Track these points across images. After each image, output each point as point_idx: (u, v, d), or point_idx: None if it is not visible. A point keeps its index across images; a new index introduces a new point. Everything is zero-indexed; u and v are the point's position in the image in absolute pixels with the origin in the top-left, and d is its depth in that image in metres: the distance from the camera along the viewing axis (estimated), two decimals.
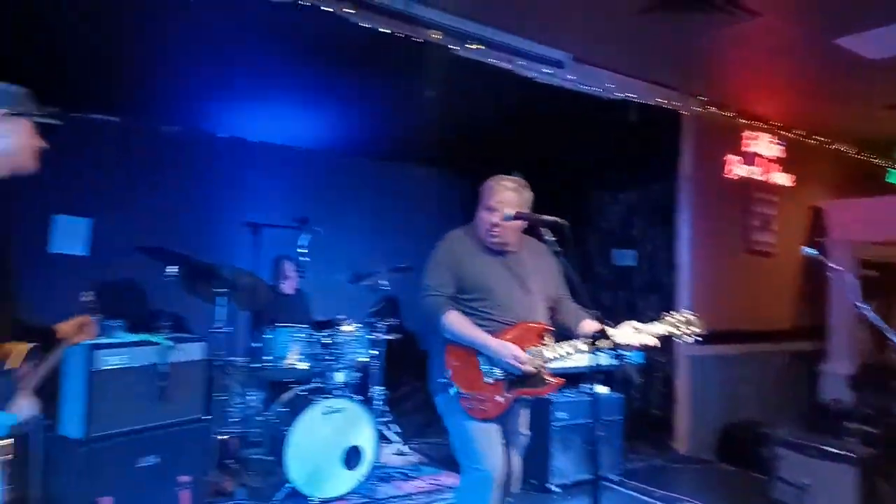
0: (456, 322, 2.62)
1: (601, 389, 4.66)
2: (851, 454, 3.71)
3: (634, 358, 5.04)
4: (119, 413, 3.25)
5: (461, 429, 2.70)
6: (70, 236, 4.90)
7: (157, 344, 3.36)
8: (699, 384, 5.42)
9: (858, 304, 3.06)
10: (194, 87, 4.64)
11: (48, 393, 2.36)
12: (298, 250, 4.55)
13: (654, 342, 2.66)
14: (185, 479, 3.47)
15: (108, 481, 3.16)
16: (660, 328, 2.67)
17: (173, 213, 5.05)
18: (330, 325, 4.34)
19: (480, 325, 2.65)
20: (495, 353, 2.58)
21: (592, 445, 4.40)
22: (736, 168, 5.65)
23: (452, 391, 2.64)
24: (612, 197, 5.93)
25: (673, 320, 2.69)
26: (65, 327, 2.23)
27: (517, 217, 2.66)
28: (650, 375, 5.51)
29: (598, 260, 6.07)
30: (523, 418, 2.86)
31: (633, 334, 2.62)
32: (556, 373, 4.46)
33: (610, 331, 2.60)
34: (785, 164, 6.00)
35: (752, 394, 5.71)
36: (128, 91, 4.65)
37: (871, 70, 4.52)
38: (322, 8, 3.44)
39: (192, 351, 3.57)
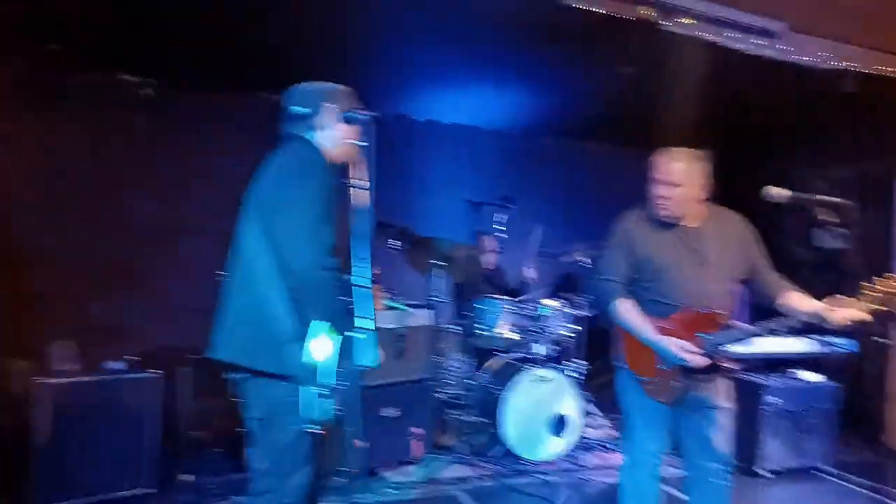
0: (625, 312, 2.65)
1: (811, 376, 4.48)
2: None
3: (846, 346, 4.73)
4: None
5: (631, 408, 2.77)
6: None
7: (398, 309, 3.76)
8: None
9: None
10: (398, 74, 4.96)
11: None
12: (496, 226, 4.83)
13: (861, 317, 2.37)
14: (416, 430, 3.87)
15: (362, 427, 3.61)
16: (858, 305, 2.37)
17: (388, 191, 5.47)
18: (516, 293, 4.55)
19: (653, 307, 2.64)
20: (662, 350, 2.57)
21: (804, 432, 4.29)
22: None
23: (628, 373, 2.73)
24: (818, 173, 5.56)
25: (876, 290, 2.35)
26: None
27: (794, 201, 2.52)
28: (860, 365, 5.15)
29: (796, 241, 5.74)
30: (719, 391, 2.73)
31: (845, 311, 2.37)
32: (768, 358, 4.35)
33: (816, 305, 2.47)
34: None
35: None
36: (342, 79, 5.12)
37: None
38: None
39: (423, 317, 3.95)
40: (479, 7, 3.80)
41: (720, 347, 2.57)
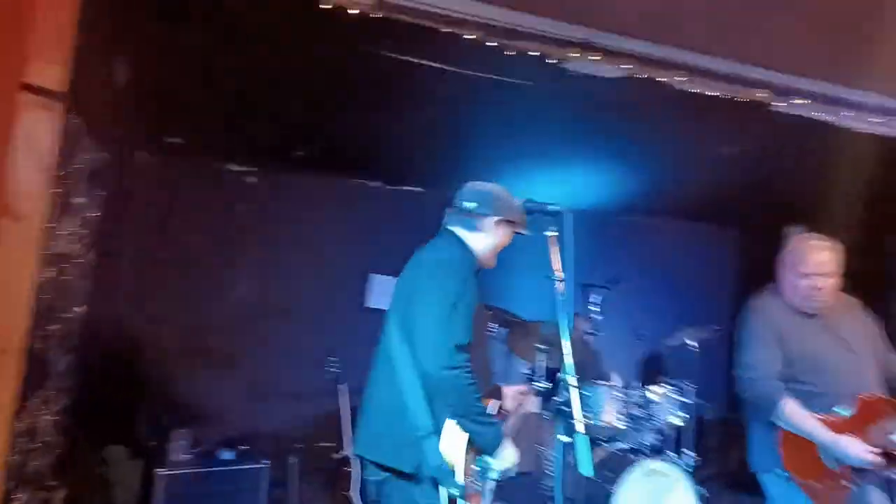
0: (793, 414, 2.50)
1: None
2: None
3: None
4: None
5: None
6: (381, 293, 5.51)
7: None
8: None
9: None
10: (485, 160, 5.00)
11: None
12: (592, 307, 4.70)
13: None
14: None
15: None
16: None
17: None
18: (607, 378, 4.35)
19: (814, 399, 2.51)
20: (840, 452, 2.44)
21: None
22: None
23: (787, 477, 2.53)
24: None
25: None
26: (509, 393, 2.49)
27: None
28: None
29: None
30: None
31: None
32: None
33: None
34: None
35: None
36: (428, 164, 5.20)
37: None
38: (655, 79, 3.59)
39: (532, 404, 3.79)
40: (585, 90, 3.83)
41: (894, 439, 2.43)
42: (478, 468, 2.16)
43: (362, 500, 3.29)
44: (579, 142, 4.42)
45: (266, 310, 4.66)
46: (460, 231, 2.33)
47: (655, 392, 4.22)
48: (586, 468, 1.87)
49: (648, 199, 5.44)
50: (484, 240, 2.32)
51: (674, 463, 4.02)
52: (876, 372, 2.62)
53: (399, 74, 3.64)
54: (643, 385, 4.33)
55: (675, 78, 3.66)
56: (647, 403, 4.19)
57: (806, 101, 3.91)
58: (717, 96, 3.78)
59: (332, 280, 5.21)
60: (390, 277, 5.57)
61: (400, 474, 2.10)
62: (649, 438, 4.22)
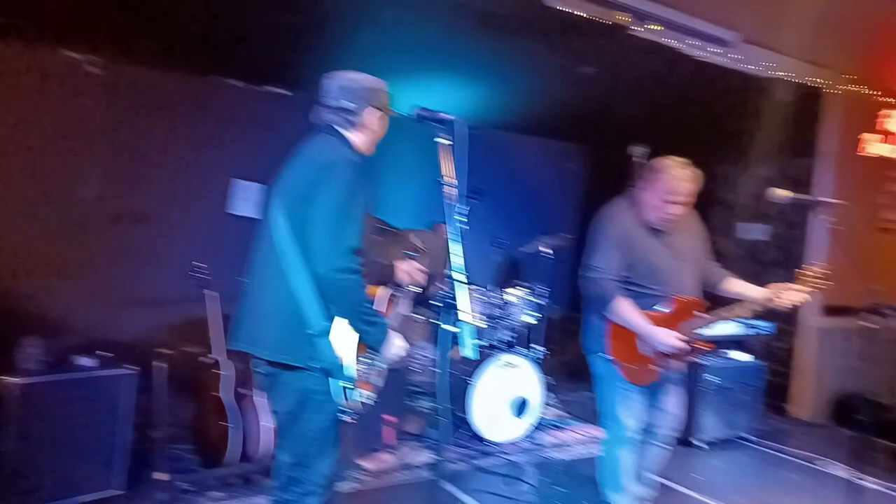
0: (624, 310, 2.87)
1: (740, 356, 4.95)
2: None
3: (766, 328, 5.25)
4: None
5: (611, 391, 3.03)
6: (246, 199, 5.34)
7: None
8: (819, 354, 5.65)
9: None
10: (352, 63, 4.87)
11: None
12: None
13: (802, 299, 2.81)
14: (389, 418, 3.94)
15: None
16: (798, 288, 2.80)
17: None
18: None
19: (644, 299, 2.90)
20: (657, 342, 2.85)
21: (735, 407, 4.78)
22: (872, 146, 5.71)
23: (609, 359, 2.97)
24: (743, 170, 6.03)
25: (808, 275, 2.80)
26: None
27: (794, 201, 2.92)
28: (771, 344, 5.73)
29: (722, 234, 6.21)
30: (675, 399, 3.12)
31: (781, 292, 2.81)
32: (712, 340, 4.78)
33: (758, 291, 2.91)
34: None
35: (869, 367, 5.87)
36: (297, 68, 4.96)
37: None
38: None
39: (403, 306, 3.97)
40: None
41: (698, 332, 2.88)
42: (367, 360, 2.27)
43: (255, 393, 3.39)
44: (442, 52, 4.41)
45: (120, 213, 4.36)
46: (341, 129, 2.30)
47: (512, 294, 4.61)
48: (470, 351, 2.06)
49: (508, 114, 5.62)
50: (365, 134, 2.33)
51: (525, 356, 4.47)
52: (697, 278, 3.05)
53: None
54: (501, 288, 4.71)
55: None
56: (505, 304, 4.57)
57: (659, 27, 4.22)
58: (582, 16, 3.99)
59: (192, 184, 4.94)
60: (255, 184, 5.41)
61: (291, 367, 2.16)
62: (504, 335, 4.65)
